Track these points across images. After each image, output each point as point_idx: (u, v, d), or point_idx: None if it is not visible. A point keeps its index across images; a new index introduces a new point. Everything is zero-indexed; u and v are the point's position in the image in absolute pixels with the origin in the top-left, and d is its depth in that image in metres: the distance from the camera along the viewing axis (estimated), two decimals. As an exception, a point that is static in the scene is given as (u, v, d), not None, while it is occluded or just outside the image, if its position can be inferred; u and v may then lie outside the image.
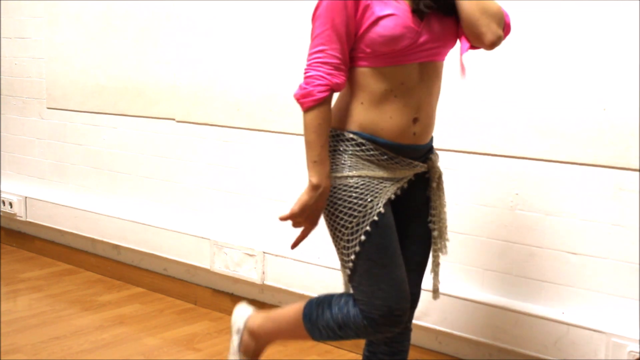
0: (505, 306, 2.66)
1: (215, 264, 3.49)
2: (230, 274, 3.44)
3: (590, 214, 2.50)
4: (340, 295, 2.05)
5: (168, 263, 3.79)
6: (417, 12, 1.87)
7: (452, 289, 2.78)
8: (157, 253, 3.77)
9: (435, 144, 2.79)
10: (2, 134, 4.64)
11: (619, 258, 2.46)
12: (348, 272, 1.96)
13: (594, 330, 2.47)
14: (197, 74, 3.55)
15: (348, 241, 1.94)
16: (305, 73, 1.92)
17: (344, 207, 1.93)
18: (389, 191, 1.96)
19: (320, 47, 1.89)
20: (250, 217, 3.43)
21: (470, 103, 2.71)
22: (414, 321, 2.83)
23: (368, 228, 1.92)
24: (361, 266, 1.94)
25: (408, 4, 1.88)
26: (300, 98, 1.90)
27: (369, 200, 1.92)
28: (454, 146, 2.77)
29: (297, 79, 3.18)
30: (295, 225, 1.97)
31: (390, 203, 1.98)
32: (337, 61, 1.88)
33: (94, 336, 3.25)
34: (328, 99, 1.90)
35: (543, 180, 2.59)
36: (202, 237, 3.54)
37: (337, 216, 1.94)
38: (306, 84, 1.90)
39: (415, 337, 2.92)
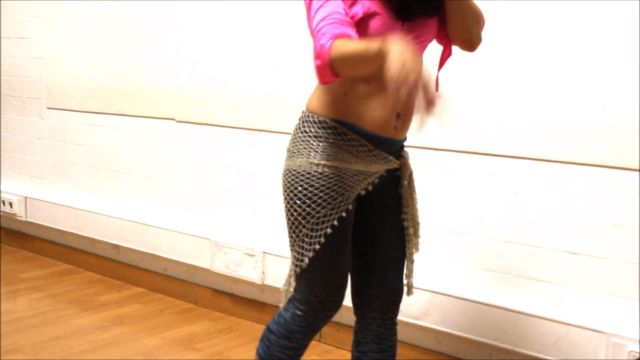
0: (505, 306, 2.66)
1: (215, 264, 3.49)
2: (230, 274, 3.44)
3: (590, 214, 2.50)
4: (272, 318, 2.11)
5: (168, 263, 3.79)
6: (402, 18, 1.86)
7: (452, 289, 2.78)
8: (157, 253, 3.77)
9: (435, 144, 2.81)
10: (2, 134, 4.64)
11: (619, 258, 2.46)
12: (305, 261, 1.96)
13: (594, 330, 2.47)
14: (197, 74, 3.55)
15: (312, 230, 1.94)
16: (313, 50, 1.78)
17: (315, 195, 1.92)
18: (360, 186, 1.97)
19: (322, 19, 1.78)
20: (250, 217, 3.43)
21: (471, 103, 2.71)
22: (413, 321, 2.85)
23: (335, 222, 1.93)
24: (315, 257, 1.95)
25: (391, 6, 1.85)
26: (318, 61, 1.75)
27: (340, 193, 1.93)
28: (454, 146, 2.77)
29: (297, 79, 3.19)
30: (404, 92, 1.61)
31: (358, 198, 2.00)
32: (342, 17, 1.79)
33: (94, 336, 3.25)
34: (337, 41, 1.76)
35: (543, 180, 2.59)
36: (202, 237, 3.54)
37: (305, 202, 1.93)
38: (317, 51, 1.76)
39: (415, 337, 2.92)
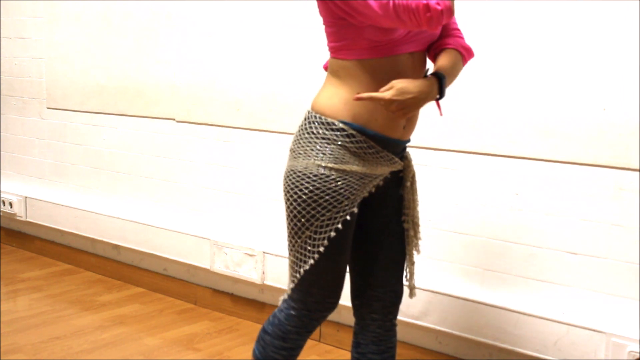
0: (505, 306, 2.66)
1: (215, 264, 3.49)
2: (230, 274, 3.44)
3: (590, 214, 2.50)
4: (267, 319, 2.11)
5: (168, 263, 3.79)
6: None
7: (452, 289, 2.78)
8: (157, 253, 3.77)
9: (435, 144, 2.81)
10: (2, 134, 4.64)
11: (619, 258, 2.46)
12: (308, 263, 1.95)
13: (594, 330, 2.47)
14: (197, 74, 3.55)
15: (316, 232, 1.93)
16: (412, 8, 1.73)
17: (320, 197, 1.90)
18: (366, 189, 1.96)
19: None
20: (250, 217, 3.43)
21: (471, 103, 2.71)
22: (413, 321, 2.85)
23: (339, 226, 1.92)
24: (316, 259, 1.94)
25: None
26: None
27: (346, 197, 1.91)
28: (454, 146, 2.77)
29: (297, 79, 3.19)
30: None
31: (362, 200, 1.98)
32: None
33: (94, 336, 3.25)
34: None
35: (543, 180, 2.59)
36: (202, 237, 3.54)
37: (310, 205, 1.91)
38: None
39: (415, 337, 2.92)
